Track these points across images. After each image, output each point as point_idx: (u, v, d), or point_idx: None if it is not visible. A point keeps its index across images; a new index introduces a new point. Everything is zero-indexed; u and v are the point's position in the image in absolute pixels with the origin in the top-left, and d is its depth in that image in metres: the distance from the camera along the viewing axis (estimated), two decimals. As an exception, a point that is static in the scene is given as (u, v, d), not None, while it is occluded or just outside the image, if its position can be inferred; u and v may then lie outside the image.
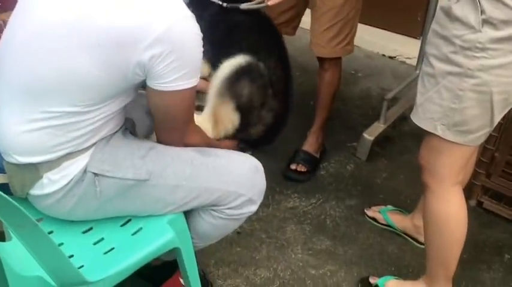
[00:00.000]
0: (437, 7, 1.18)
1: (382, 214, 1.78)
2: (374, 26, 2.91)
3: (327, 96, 1.99)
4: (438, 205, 1.33)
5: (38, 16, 1.01)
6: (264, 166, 1.92)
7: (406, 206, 1.82)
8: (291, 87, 1.49)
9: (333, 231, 1.77)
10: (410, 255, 1.69)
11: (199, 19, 1.04)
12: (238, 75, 1.35)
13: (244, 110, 1.37)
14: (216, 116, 1.39)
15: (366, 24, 2.95)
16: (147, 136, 1.34)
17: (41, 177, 1.09)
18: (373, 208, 1.82)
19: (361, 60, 2.86)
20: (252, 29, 1.48)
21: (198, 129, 1.26)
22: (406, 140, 2.23)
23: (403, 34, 2.92)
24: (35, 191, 1.10)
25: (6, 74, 1.06)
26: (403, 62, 2.88)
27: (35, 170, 1.08)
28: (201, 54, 1.05)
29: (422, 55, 2.41)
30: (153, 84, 1.04)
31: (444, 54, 1.13)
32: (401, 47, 2.89)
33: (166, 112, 1.11)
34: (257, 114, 1.42)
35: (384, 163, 2.10)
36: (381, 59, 2.92)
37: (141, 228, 1.18)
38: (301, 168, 2.01)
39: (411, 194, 1.91)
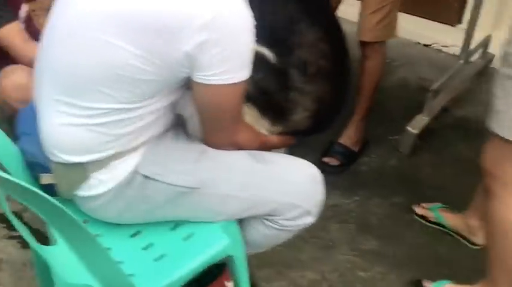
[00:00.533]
0: None
1: (433, 211, 1.69)
2: (409, 13, 2.78)
3: (369, 85, 1.90)
4: (505, 212, 1.24)
5: (79, 4, 0.94)
6: (298, 156, 1.87)
7: (455, 204, 1.72)
8: (344, 64, 1.32)
9: (379, 230, 1.69)
10: (464, 257, 1.60)
11: None
12: None
13: (257, 101, 1.22)
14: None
15: (400, 11, 2.84)
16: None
17: (89, 177, 1.01)
18: (423, 205, 1.73)
19: (396, 48, 2.73)
20: None
21: (248, 126, 1.17)
22: (449, 133, 2.13)
23: (439, 21, 2.79)
24: (82, 192, 1.03)
25: (50, 66, 0.98)
26: (440, 51, 2.76)
27: (82, 170, 1.01)
28: (251, 42, 0.95)
29: (467, 44, 2.31)
30: (198, 77, 0.94)
31: None
32: (438, 35, 2.76)
33: (214, 110, 1.02)
34: (282, 101, 1.26)
35: (427, 157, 2.00)
36: (416, 48, 2.79)
37: (193, 233, 1.10)
38: (334, 161, 1.93)
39: (459, 191, 1.80)
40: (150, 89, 0.96)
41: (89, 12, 0.92)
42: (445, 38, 2.72)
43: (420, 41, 2.82)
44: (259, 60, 1.17)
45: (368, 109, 1.94)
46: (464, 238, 1.63)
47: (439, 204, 1.72)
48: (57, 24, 0.98)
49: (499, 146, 1.17)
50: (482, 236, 1.53)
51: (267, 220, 1.13)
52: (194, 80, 0.95)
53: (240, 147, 1.12)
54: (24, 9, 1.56)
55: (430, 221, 1.69)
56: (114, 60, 0.91)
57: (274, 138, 1.29)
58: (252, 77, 1.18)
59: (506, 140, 1.14)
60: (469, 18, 2.31)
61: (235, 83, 0.95)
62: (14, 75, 1.46)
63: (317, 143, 1.97)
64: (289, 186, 1.10)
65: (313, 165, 1.15)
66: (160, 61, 0.91)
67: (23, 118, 1.11)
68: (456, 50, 2.76)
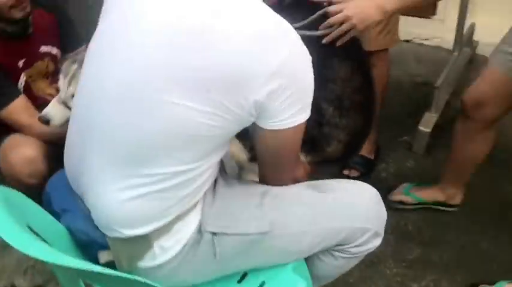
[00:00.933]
0: None
1: (407, 194, 1.75)
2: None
3: (379, 93, 1.87)
4: None
5: (130, 62, 0.85)
6: (318, 173, 1.83)
7: (479, 196, 1.73)
8: (374, 93, 1.32)
9: (419, 237, 1.66)
10: (507, 249, 1.59)
11: None
12: None
13: None
14: None
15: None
16: (236, 174, 1.19)
17: (152, 246, 0.93)
18: (394, 192, 1.77)
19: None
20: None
21: (300, 161, 1.12)
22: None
23: (414, 16, 2.83)
24: (146, 263, 0.94)
25: (100, 134, 0.89)
26: (421, 44, 2.80)
27: (144, 241, 0.92)
28: (313, 80, 0.91)
29: (459, 36, 2.34)
30: (267, 124, 0.89)
31: None
32: (416, 29, 2.80)
33: (279, 153, 0.97)
34: (317, 136, 1.24)
35: (443, 153, 1.98)
36: (398, 44, 2.81)
37: (263, 282, 1.03)
38: (354, 173, 1.91)
39: (479, 181, 1.81)
40: (215, 144, 0.90)
41: (146, 71, 0.83)
42: (424, 30, 2.76)
43: (400, 37, 2.84)
44: None
45: (378, 116, 1.92)
46: (444, 204, 1.71)
47: (407, 184, 1.79)
48: (104, 85, 0.88)
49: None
50: (459, 198, 1.69)
51: (336, 251, 1.08)
52: (262, 126, 0.89)
53: (297, 181, 1.08)
54: (22, 79, 1.46)
55: (410, 204, 1.74)
56: (182, 121, 0.83)
57: (309, 167, 1.26)
58: None
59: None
60: (450, 12, 2.35)
61: (302, 123, 0.90)
62: (22, 148, 1.34)
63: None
64: (357, 210, 1.06)
65: (369, 185, 1.12)
66: (228, 115, 0.85)
67: (55, 194, 1.02)
68: (437, 41, 2.80)
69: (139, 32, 0.85)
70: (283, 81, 0.84)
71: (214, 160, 0.94)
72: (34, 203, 0.96)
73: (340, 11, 1.12)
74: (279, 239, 0.99)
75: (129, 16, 0.88)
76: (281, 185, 1.04)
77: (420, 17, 2.80)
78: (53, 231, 0.98)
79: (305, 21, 1.14)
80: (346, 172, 1.90)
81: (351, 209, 1.05)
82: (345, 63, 1.22)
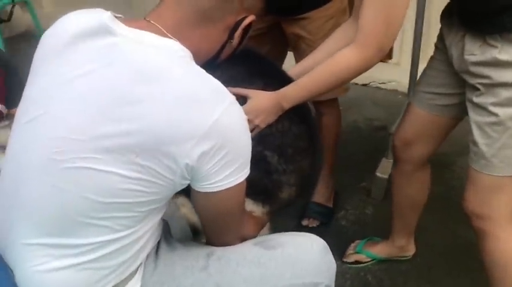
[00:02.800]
0: (467, 61, 1.17)
1: (361, 252, 1.74)
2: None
3: (330, 140, 1.90)
4: (504, 247, 1.27)
5: (51, 132, 0.84)
6: (278, 225, 1.81)
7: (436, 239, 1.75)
8: (316, 140, 1.32)
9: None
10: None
11: None
12: None
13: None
14: None
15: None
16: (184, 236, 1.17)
17: (84, 322, 0.89)
18: (347, 252, 1.77)
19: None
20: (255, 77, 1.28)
21: (248, 216, 1.11)
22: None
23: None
24: None
25: (22, 205, 0.87)
26: (378, 88, 2.88)
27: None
28: (250, 140, 0.92)
29: (413, 81, 2.41)
30: (200, 186, 0.89)
31: (508, 99, 1.11)
32: (373, 73, 2.88)
33: (220, 215, 0.96)
34: (268, 185, 1.24)
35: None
36: (355, 89, 2.87)
37: None
38: (313, 223, 1.91)
39: (433, 224, 1.84)
40: (149, 209, 0.88)
41: (70, 140, 0.83)
42: (381, 74, 2.85)
43: (358, 82, 2.93)
44: None
45: (333, 164, 1.95)
46: (398, 257, 1.72)
47: (359, 241, 1.79)
48: (26, 157, 0.87)
49: (483, 180, 1.20)
50: (412, 248, 1.72)
51: None
52: (198, 190, 0.89)
53: (245, 239, 1.07)
54: None
55: (364, 262, 1.73)
56: (110, 189, 0.82)
57: (264, 217, 1.25)
58: None
59: (492, 176, 1.18)
60: (405, 55, 2.42)
61: (239, 183, 0.90)
62: None
63: (291, 207, 1.93)
64: (306, 265, 1.04)
65: (317, 236, 1.11)
66: (159, 180, 0.84)
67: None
68: (394, 85, 2.89)
69: (63, 99, 0.85)
70: (215, 142, 0.84)
71: (151, 224, 0.92)
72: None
73: None
74: None
75: (55, 82, 0.87)
76: (226, 244, 1.03)
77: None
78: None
79: None
80: (305, 222, 1.90)
81: (300, 265, 1.03)
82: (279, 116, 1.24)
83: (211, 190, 0.89)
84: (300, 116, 1.27)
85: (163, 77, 0.83)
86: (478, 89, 1.17)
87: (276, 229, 1.84)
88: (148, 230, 0.92)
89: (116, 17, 0.90)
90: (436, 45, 1.36)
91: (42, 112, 0.86)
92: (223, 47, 0.98)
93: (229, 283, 0.97)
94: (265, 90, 1.22)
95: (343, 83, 1.22)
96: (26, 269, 0.88)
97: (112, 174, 0.82)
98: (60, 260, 0.86)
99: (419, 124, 1.41)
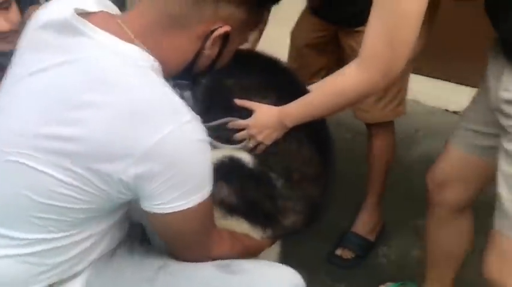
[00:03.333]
0: (500, 98, 0.99)
1: None
2: (435, 78, 2.65)
3: (379, 166, 1.74)
4: None
5: (2, 124, 0.87)
6: (309, 251, 1.69)
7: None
8: (330, 161, 1.22)
9: None
10: None
11: None
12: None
13: (244, 213, 1.13)
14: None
15: (426, 75, 2.70)
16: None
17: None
18: None
19: (421, 116, 2.58)
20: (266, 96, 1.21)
21: (224, 237, 1.04)
22: (482, 213, 1.89)
23: (467, 85, 2.62)
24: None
25: None
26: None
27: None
28: (207, 162, 0.86)
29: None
30: (146, 205, 0.86)
31: None
32: (467, 100, 2.58)
33: (175, 234, 0.92)
34: (271, 209, 1.17)
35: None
36: (443, 115, 2.62)
37: None
38: (347, 254, 1.75)
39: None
40: (87, 216, 0.87)
41: (14, 136, 0.84)
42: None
43: (448, 108, 2.65)
44: (236, 167, 1.13)
45: (382, 192, 1.78)
46: None
47: (390, 284, 1.59)
48: None
49: (507, 249, 0.98)
50: None
51: None
52: (144, 209, 0.86)
53: (220, 258, 1.00)
54: None
55: None
56: (44, 190, 0.82)
57: (262, 241, 1.17)
58: (232, 188, 1.12)
59: None
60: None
61: (191, 207, 0.85)
62: None
63: (330, 232, 1.81)
64: None
65: (297, 274, 1.00)
66: (94, 190, 0.82)
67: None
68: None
69: (19, 94, 0.87)
70: (156, 165, 0.79)
71: (97, 230, 0.91)
72: None
73: (245, 127, 1.13)
74: None
75: (15, 75, 0.90)
76: (192, 261, 0.97)
77: (473, 86, 2.59)
78: None
79: (212, 123, 1.13)
80: (338, 252, 1.76)
81: None
82: (291, 135, 1.16)
83: (159, 211, 0.85)
84: (311, 137, 1.18)
85: (113, 86, 0.81)
86: (510, 133, 0.96)
87: (305, 253, 1.74)
88: (93, 236, 0.91)
89: (89, 12, 0.88)
90: (483, 75, 1.15)
91: (2, 103, 0.90)
92: (196, 56, 0.91)
93: None
94: (278, 105, 1.14)
95: (346, 106, 1.10)
96: None
97: (46, 175, 0.81)
98: (3, 249, 0.88)
99: (454, 165, 1.21)
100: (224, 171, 1.09)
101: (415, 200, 1.95)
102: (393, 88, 1.61)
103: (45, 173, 0.81)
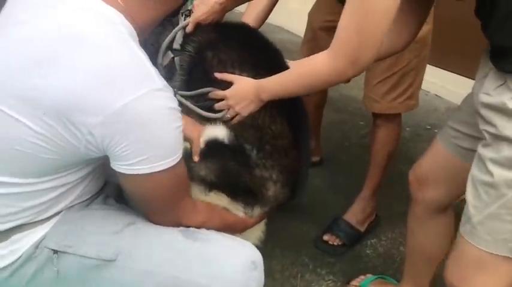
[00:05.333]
0: (480, 101, 0.99)
1: None
2: (458, 74, 2.60)
3: (381, 157, 1.75)
4: None
5: None
6: (298, 233, 1.72)
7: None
8: (300, 141, 1.28)
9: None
10: None
11: None
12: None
13: (223, 187, 1.20)
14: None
15: (449, 71, 2.65)
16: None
17: (-16, 250, 0.98)
18: (351, 283, 1.58)
19: (441, 113, 2.55)
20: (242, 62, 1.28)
21: (201, 209, 1.09)
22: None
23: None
24: (-21, 265, 0.99)
25: None
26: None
27: (-24, 241, 0.97)
28: (176, 131, 0.91)
29: None
30: (114, 165, 0.91)
31: (508, 159, 0.91)
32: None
33: (139, 196, 0.97)
34: (249, 180, 1.23)
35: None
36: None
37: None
38: (335, 241, 1.78)
39: None
40: (56, 166, 0.92)
41: None
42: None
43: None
44: (212, 144, 1.19)
45: (378, 184, 1.79)
46: None
47: (370, 275, 1.59)
48: None
49: (468, 257, 1.00)
50: None
51: None
52: (112, 167, 0.91)
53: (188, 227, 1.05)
54: None
55: None
56: (14, 136, 0.87)
57: (246, 219, 1.24)
58: (208, 162, 1.19)
59: (478, 249, 0.98)
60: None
61: (158, 171, 0.90)
62: None
63: (322, 217, 1.84)
64: (221, 270, 0.98)
65: (257, 251, 1.05)
66: (63, 143, 0.87)
67: None
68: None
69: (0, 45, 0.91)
70: (123, 126, 0.84)
71: (67, 181, 0.97)
72: None
73: (223, 98, 1.20)
74: (121, 272, 0.98)
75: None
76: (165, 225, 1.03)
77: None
78: None
79: (194, 92, 1.24)
80: (326, 237, 1.79)
81: (214, 267, 0.98)
82: (262, 109, 1.21)
83: (124, 171, 0.90)
84: (283, 112, 1.23)
85: (90, 45, 0.85)
86: (484, 138, 0.96)
87: (294, 235, 1.77)
88: (61, 186, 0.97)
89: None
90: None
91: None
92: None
93: (130, 253, 0.98)
94: (256, 78, 1.20)
95: (315, 89, 1.18)
96: None
97: (18, 122, 0.86)
98: None
99: (439, 163, 1.21)
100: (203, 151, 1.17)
101: (409, 195, 1.97)
102: (406, 80, 1.61)
103: (20, 121, 0.86)
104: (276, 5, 1.62)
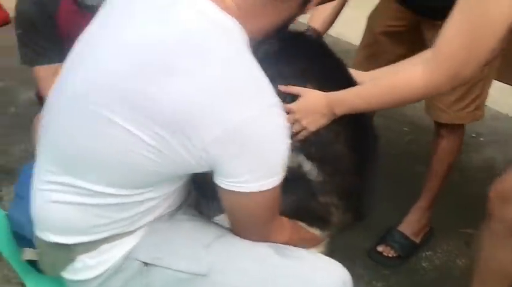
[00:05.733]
0: None
1: None
2: (499, 81, 2.55)
3: (441, 168, 1.71)
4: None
5: (93, 72, 0.87)
6: (351, 244, 1.68)
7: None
8: (364, 164, 1.19)
9: None
10: None
11: None
12: None
13: (299, 217, 1.14)
14: None
15: (494, 79, 2.60)
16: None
17: (74, 260, 0.95)
18: None
19: (484, 121, 2.49)
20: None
21: (286, 226, 1.06)
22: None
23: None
24: (67, 275, 0.97)
25: (50, 136, 0.94)
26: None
27: (67, 251, 0.95)
28: (287, 149, 0.87)
29: None
30: (221, 181, 0.87)
31: None
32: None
33: (238, 212, 0.94)
34: (317, 208, 1.17)
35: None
36: (509, 122, 2.54)
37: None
38: (390, 252, 1.74)
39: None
40: (159, 179, 0.90)
41: (101, 87, 0.84)
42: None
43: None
44: None
45: (436, 195, 1.75)
46: None
47: None
48: (63, 89, 0.92)
49: None
50: None
51: None
52: (217, 183, 0.88)
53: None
54: None
55: None
56: (123, 147, 0.83)
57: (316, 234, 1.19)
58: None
59: None
60: None
61: (263, 190, 0.87)
62: None
63: (376, 228, 1.80)
64: None
65: (345, 269, 1.01)
66: (174, 155, 0.83)
67: (23, 177, 1.08)
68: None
69: (108, 43, 0.87)
70: (238, 144, 0.81)
71: (161, 192, 0.94)
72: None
73: (289, 112, 1.10)
74: None
75: (107, 28, 0.90)
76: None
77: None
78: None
79: None
80: (380, 248, 1.75)
81: (305, 285, 0.95)
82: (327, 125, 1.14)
83: (229, 188, 0.87)
84: (349, 131, 1.15)
85: (208, 57, 0.81)
86: None
87: (346, 245, 1.73)
88: (156, 199, 0.93)
89: None
90: None
91: (87, 49, 0.90)
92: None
93: (223, 270, 0.95)
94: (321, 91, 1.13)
95: (405, 103, 1.11)
96: (38, 194, 0.95)
97: (128, 133, 0.82)
98: (65, 195, 0.91)
99: None
100: None
101: (469, 208, 1.93)
102: (475, 90, 1.56)
103: (129, 131, 0.82)
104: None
